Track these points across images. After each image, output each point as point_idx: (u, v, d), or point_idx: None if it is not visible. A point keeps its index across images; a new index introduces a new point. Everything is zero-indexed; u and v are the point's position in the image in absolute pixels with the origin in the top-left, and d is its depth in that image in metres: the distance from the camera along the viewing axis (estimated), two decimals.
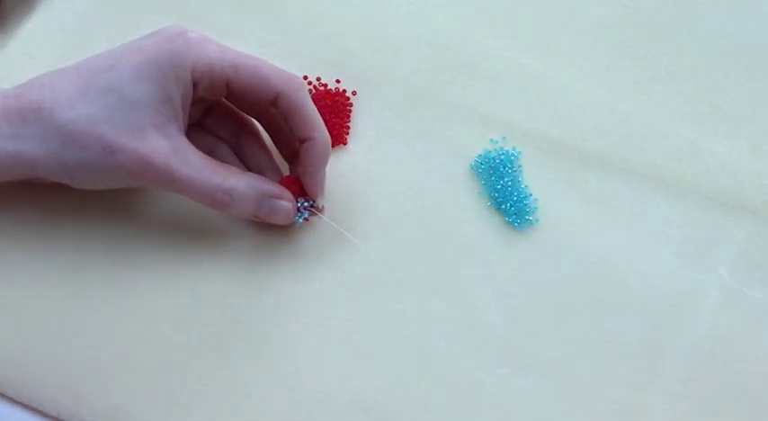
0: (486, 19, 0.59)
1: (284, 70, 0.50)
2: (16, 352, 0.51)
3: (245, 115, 0.54)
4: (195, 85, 0.49)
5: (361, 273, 0.54)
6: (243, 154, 0.53)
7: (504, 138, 0.57)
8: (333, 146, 0.56)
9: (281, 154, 0.54)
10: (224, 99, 0.53)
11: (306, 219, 0.53)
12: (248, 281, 0.53)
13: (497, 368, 0.51)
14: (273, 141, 0.54)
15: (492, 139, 0.57)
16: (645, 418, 0.52)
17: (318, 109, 0.55)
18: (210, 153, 0.53)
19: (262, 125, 0.54)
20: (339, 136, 0.56)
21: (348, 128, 0.56)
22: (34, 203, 0.53)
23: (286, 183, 0.52)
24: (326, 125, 0.56)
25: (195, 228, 0.54)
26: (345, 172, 0.56)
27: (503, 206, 0.55)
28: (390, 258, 0.54)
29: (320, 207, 0.53)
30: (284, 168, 0.54)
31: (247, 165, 0.54)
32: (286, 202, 0.51)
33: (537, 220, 0.55)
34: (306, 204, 0.52)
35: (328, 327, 0.53)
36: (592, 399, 0.51)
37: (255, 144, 0.53)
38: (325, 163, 0.51)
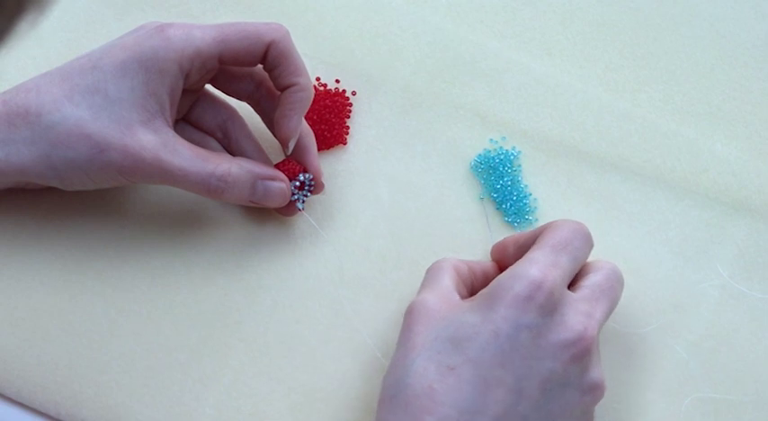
0: (485, 19, 0.59)
1: (267, 22, 0.51)
2: (16, 352, 0.51)
3: (232, 106, 0.54)
4: (187, 75, 0.49)
5: (362, 273, 0.54)
6: (231, 146, 0.53)
7: (503, 137, 0.57)
8: (332, 146, 0.56)
9: (273, 134, 0.54)
10: (211, 85, 0.53)
11: (304, 201, 0.52)
12: (247, 280, 0.53)
13: None
14: (265, 122, 0.54)
15: (491, 139, 0.57)
16: (645, 418, 0.52)
17: (318, 109, 0.55)
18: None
19: (252, 106, 0.54)
20: (339, 136, 0.56)
21: (348, 128, 0.56)
22: (32, 206, 0.53)
23: (278, 167, 0.52)
24: (326, 125, 0.56)
25: (193, 227, 0.54)
26: (345, 172, 0.56)
27: (502, 206, 0.55)
28: (390, 258, 0.54)
29: (311, 180, 0.52)
30: (274, 158, 0.54)
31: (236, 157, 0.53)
32: (280, 183, 0.51)
33: (536, 220, 0.55)
34: (299, 180, 0.52)
35: (328, 327, 0.53)
36: None
37: (243, 134, 0.53)
38: (304, 110, 0.51)
